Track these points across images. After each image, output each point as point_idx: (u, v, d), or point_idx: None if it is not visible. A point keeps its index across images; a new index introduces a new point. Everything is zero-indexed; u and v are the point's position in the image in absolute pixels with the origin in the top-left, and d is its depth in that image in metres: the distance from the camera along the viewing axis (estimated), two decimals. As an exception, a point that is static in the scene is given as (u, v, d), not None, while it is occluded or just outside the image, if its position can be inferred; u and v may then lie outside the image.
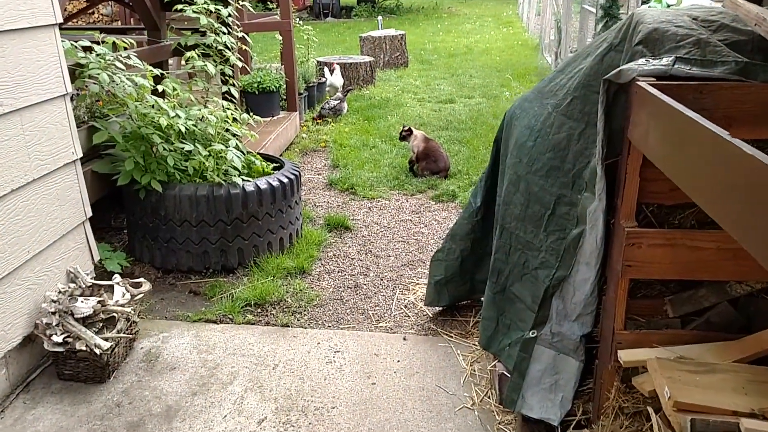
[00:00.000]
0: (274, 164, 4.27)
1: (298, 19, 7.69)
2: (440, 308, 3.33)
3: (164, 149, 3.54)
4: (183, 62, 4.19)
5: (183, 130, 3.60)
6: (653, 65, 1.81)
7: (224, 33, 4.18)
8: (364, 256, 4.06)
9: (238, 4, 4.31)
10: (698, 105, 1.69)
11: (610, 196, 2.04)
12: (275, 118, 6.56)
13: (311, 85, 7.85)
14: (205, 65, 3.93)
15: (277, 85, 6.50)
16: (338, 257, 4.04)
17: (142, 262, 3.85)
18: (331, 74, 8.50)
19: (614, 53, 2.17)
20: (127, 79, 3.46)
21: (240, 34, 4.31)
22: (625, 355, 1.92)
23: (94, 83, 3.29)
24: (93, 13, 14.51)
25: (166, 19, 4.50)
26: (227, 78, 4.19)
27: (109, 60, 3.36)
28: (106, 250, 3.58)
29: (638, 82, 1.77)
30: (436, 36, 15.68)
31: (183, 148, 3.61)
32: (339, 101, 7.37)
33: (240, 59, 4.40)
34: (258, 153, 4.33)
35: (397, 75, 10.34)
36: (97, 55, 3.32)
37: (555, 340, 2.26)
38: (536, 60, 11.62)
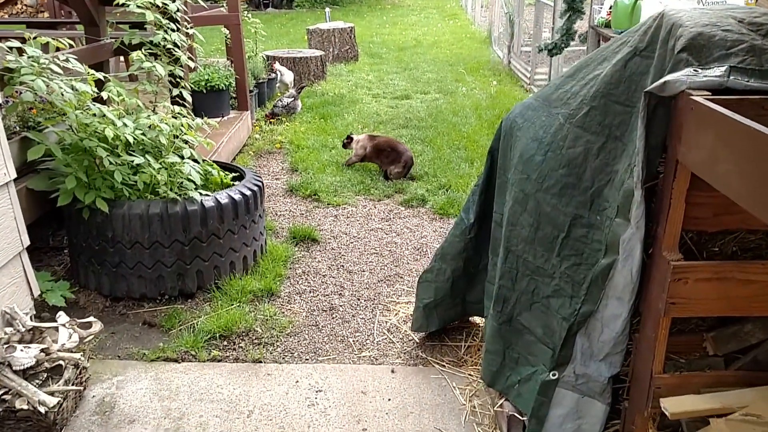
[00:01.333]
0: (233, 173, 3.89)
1: (245, 12, 7.24)
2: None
3: (110, 163, 3.12)
4: (127, 62, 3.76)
5: (131, 140, 3.18)
6: (705, 77, 1.57)
7: (173, 30, 3.77)
8: (336, 272, 3.75)
9: (187, -3, 3.89)
10: (762, 123, 1.46)
11: (646, 223, 1.80)
12: (226, 118, 6.13)
13: (261, 81, 7.43)
14: (154, 66, 3.52)
15: (227, 83, 6.07)
16: (308, 274, 3.71)
17: (87, 289, 3.42)
18: (280, 72, 8.09)
19: (640, 59, 1.93)
20: (65, 84, 3.02)
21: (190, 31, 3.90)
22: (672, 406, 1.69)
23: (27, 90, 2.84)
24: (16, 3, 13.50)
25: (105, 14, 4.04)
26: (178, 80, 3.78)
27: (43, 64, 2.92)
28: (46, 280, 3.14)
29: (693, 97, 1.52)
30: (382, 28, 15.37)
31: (132, 161, 3.20)
32: (293, 99, 6.98)
33: (190, 58, 3.99)
34: (213, 161, 3.95)
35: (348, 69, 9.99)
36: (29, 57, 2.87)
37: (579, 383, 2.01)
38: (487, 53, 11.48)
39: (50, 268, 3.70)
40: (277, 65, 8.09)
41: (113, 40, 3.84)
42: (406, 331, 3.11)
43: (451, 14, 18.48)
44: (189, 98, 3.78)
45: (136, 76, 3.76)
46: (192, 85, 5.89)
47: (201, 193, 3.35)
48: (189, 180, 3.35)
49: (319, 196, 4.90)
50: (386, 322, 3.21)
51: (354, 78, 9.38)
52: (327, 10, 11.73)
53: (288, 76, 8.05)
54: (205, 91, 5.95)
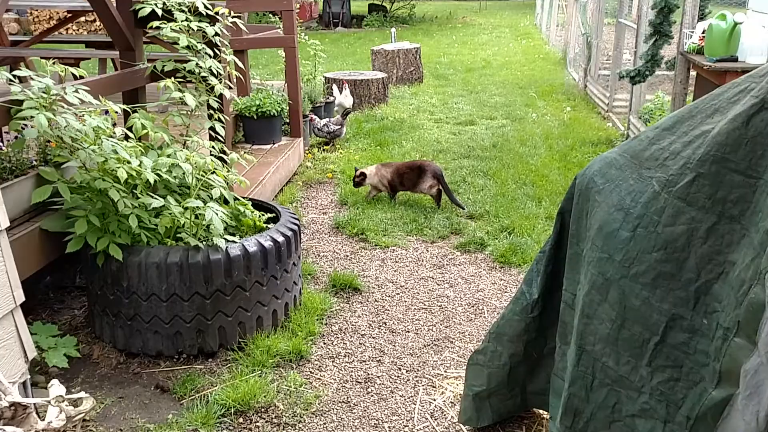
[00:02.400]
0: (268, 214, 3.51)
1: (304, 34, 6.96)
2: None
3: (126, 206, 2.79)
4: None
5: (152, 180, 2.85)
6: None
7: (209, 56, 3.44)
8: (377, 330, 3.29)
9: (227, 21, 3.57)
10: None
11: None
12: (276, 145, 5.82)
13: (318, 105, 7.11)
14: (183, 97, 3.19)
15: (279, 109, 5.76)
16: (345, 332, 3.27)
17: (102, 341, 3.10)
18: (341, 92, 7.76)
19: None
20: (78, 118, 2.72)
21: (229, 57, 3.56)
22: None
23: (32, 126, 2.55)
24: (94, 20, 13.77)
25: (142, 37, 3.77)
26: (213, 111, 3.45)
27: (54, 95, 2.62)
28: (50, 335, 2.83)
29: None
30: (451, 48, 14.94)
31: (151, 204, 2.86)
32: (339, 126, 6.58)
33: (238, 76, 3.68)
34: (249, 198, 3.59)
35: (412, 92, 9.59)
36: (38, 88, 2.58)
37: None
38: (561, 76, 10.84)
39: (69, 311, 3.43)
40: (335, 87, 7.77)
41: (149, 65, 3.56)
42: (452, 418, 2.61)
43: (525, 33, 17.85)
44: (223, 132, 3.43)
45: (166, 106, 3.45)
46: (242, 111, 5.63)
47: (227, 240, 2.98)
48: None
49: (366, 235, 4.47)
50: (430, 403, 2.72)
51: (417, 101, 8.96)
52: (393, 30, 11.39)
53: (347, 99, 7.71)
54: (255, 117, 5.66)
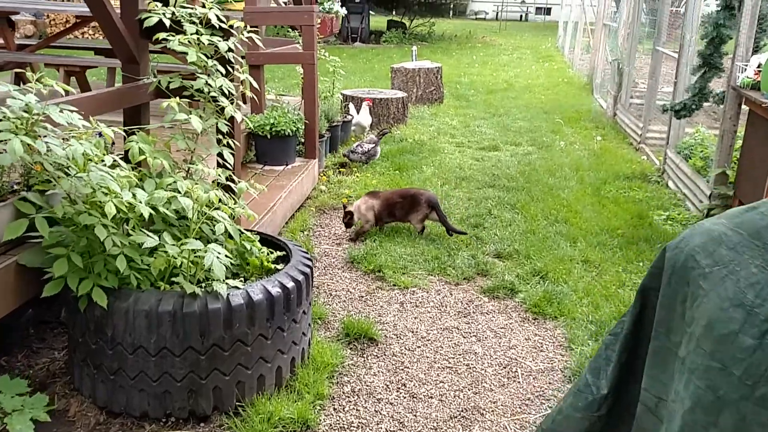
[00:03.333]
0: (278, 251, 3.12)
1: (322, 50, 6.62)
2: None
3: (114, 244, 2.40)
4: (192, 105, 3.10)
5: (146, 214, 2.46)
6: None
7: (221, 74, 3.07)
8: (395, 394, 2.88)
9: (243, 35, 3.21)
10: None
11: None
12: (290, 167, 5.44)
13: (335, 124, 6.74)
14: (189, 119, 2.82)
15: (294, 129, 5.39)
16: (359, 396, 2.85)
17: (81, 395, 2.71)
18: (358, 112, 7.40)
19: None
20: (65, 142, 2.34)
21: (242, 76, 3.19)
22: None
23: (4, 151, 2.17)
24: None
25: (147, 49, 3.40)
26: (222, 136, 3.07)
27: (35, 115, 2.25)
28: (17, 393, 2.43)
29: None
30: (471, 68, 14.59)
31: (144, 243, 2.47)
32: (373, 145, 6.23)
33: (253, 94, 3.30)
34: (257, 233, 3.20)
35: (431, 112, 9.22)
36: (17, 108, 2.20)
37: None
38: (587, 102, 10.44)
39: (49, 352, 3.04)
40: (351, 106, 7.41)
41: (153, 80, 3.19)
42: None
43: (546, 56, 17.50)
44: (231, 159, 3.05)
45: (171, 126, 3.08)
46: (255, 129, 5.26)
47: (229, 285, 2.59)
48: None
49: (384, 273, 4.07)
50: (458, 493, 2.30)
51: (437, 122, 8.59)
52: (414, 48, 11.05)
53: (365, 118, 7.34)
54: (269, 136, 5.29)
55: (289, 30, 7.87)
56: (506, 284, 3.96)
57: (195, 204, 2.57)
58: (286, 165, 5.47)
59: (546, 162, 6.70)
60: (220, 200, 2.68)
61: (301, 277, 2.82)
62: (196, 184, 2.75)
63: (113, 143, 3.36)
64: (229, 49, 3.13)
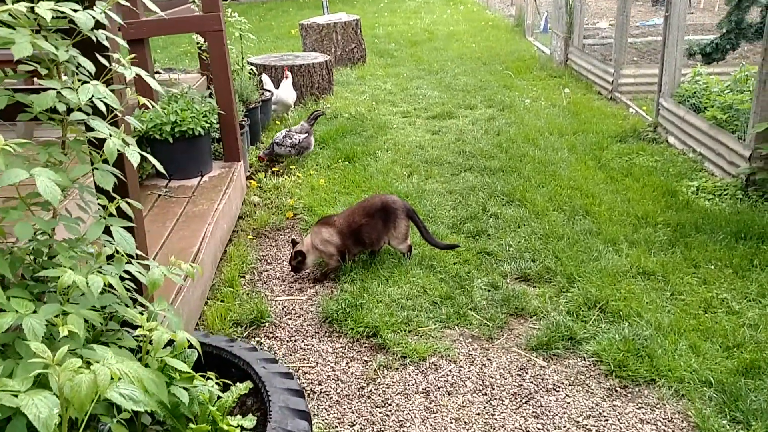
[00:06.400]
0: (232, 378, 1.73)
1: (229, 9, 5.04)
2: None
3: None
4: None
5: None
6: None
7: (89, 74, 1.60)
8: None
9: (117, -6, 1.71)
10: None
11: None
12: (207, 179, 3.94)
13: (252, 106, 5.21)
14: (32, 176, 1.34)
15: (206, 124, 3.87)
16: None
17: None
18: (276, 86, 5.88)
19: None
20: None
21: (128, 71, 1.72)
22: None
23: None
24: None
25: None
26: (107, 196, 1.60)
27: None
28: None
29: None
30: (380, 18, 13.11)
31: None
32: (306, 135, 4.78)
33: (138, 76, 1.83)
34: (190, 344, 1.78)
35: (358, 75, 7.78)
36: None
37: None
38: (524, 47, 9.32)
39: None
40: (264, 78, 5.87)
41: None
42: None
43: (453, -2, 16.23)
44: (130, 240, 1.60)
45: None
46: (151, 132, 3.71)
47: None
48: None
49: (383, 336, 2.75)
50: None
51: (368, 88, 7.18)
52: (324, 0, 9.45)
53: (288, 93, 5.84)
54: (171, 140, 3.74)
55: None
56: (560, 330, 2.76)
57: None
58: (201, 176, 3.96)
59: (518, 128, 5.50)
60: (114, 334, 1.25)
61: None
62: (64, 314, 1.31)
63: None
64: (98, 25, 1.64)
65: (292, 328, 2.91)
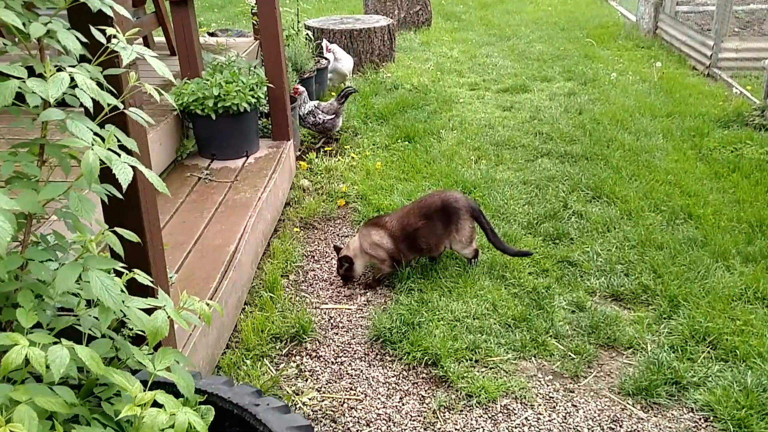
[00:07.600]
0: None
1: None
2: None
3: None
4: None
5: None
6: None
7: (78, 58, 1.18)
8: None
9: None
10: None
11: None
12: (253, 159, 3.54)
13: (307, 76, 4.76)
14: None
15: (253, 100, 3.44)
16: None
17: None
18: (331, 52, 5.39)
19: None
20: None
21: (128, 51, 1.28)
22: None
23: None
24: None
25: None
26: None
27: None
28: None
29: None
30: (447, -23, 12.32)
31: None
32: (333, 116, 4.26)
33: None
34: (203, 393, 1.39)
35: (422, 40, 7.20)
36: None
37: None
38: (607, 12, 8.50)
39: None
40: (332, 46, 5.38)
41: None
42: None
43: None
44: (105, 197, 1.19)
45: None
46: (190, 106, 3.32)
47: None
48: None
49: (443, 366, 2.31)
50: None
51: (433, 55, 6.61)
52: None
53: (346, 62, 5.36)
54: (214, 115, 3.34)
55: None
56: (662, 371, 2.25)
57: None
58: (246, 156, 3.56)
59: (604, 106, 4.87)
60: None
61: None
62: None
63: None
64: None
65: (338, 346, 2.50)
